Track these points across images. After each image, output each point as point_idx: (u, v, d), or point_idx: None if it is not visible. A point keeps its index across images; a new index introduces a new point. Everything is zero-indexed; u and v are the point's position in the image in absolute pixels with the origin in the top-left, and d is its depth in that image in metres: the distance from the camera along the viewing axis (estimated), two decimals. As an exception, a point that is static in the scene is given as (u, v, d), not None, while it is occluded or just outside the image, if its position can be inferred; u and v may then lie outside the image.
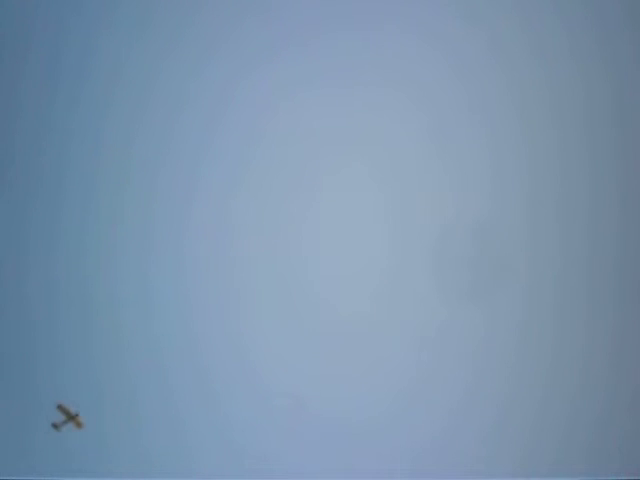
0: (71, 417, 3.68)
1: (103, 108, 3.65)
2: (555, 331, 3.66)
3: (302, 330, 3.65)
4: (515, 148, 3.67)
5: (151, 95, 3.66)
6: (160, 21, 3.67)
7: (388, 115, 3.66)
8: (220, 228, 3.66)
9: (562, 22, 3.67)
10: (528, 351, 3.66)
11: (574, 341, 3.66)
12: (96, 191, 3.66)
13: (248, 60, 3.65)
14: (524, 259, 3.66)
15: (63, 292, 3.69)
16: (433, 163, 3.66)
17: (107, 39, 3.67)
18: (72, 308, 3.70)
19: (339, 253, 3.65)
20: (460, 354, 3.65)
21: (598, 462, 3.65)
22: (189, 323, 3.68)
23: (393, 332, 3.66)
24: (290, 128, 3.65)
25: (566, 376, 3.67)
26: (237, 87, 3.64)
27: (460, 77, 3.67)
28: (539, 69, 3.68)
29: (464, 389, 3.65)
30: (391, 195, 3.68)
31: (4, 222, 3.63)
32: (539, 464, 3.66)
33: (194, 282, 3.66)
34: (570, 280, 3.67)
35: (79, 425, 3.69)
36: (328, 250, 3.66)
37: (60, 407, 3.69)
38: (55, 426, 3.68)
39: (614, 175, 3.67)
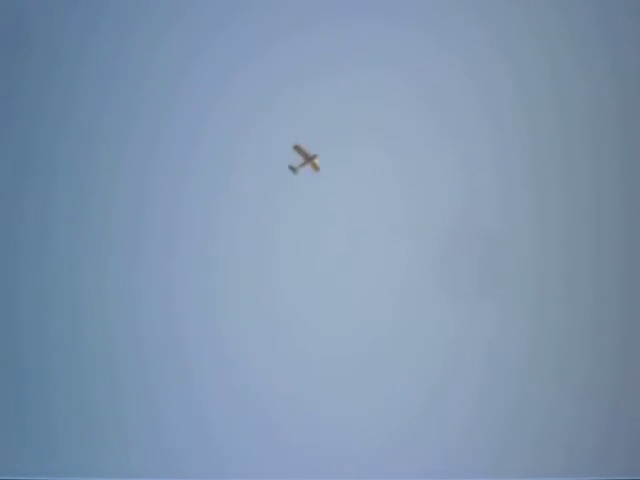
0: (309, 159, 3.63)
1: (126, 117, 3.76)
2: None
3: (305, 334, 3.73)
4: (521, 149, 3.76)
5: (174, 105, 3.76)
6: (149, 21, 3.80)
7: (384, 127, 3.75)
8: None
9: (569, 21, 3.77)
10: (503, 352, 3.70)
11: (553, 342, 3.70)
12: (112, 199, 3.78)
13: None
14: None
15: (83, 300, 3.71)
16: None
17: (99, 36, 3.77)
18: (93, 313, 3.70)
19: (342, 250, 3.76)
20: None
21: (599, 462, 3.64)
22: (216, 331, 3.71)
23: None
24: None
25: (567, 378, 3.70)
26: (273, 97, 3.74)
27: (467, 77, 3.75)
28: (545, 66, 3.76)
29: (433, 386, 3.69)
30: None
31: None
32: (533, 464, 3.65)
33: (224, 304, 3.73)
34: (576, 283, 3.72)
35: (316, 167, 3.64)
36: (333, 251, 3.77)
37: (297, 148, 3.63)
38: (293, 169, 3.65)
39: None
